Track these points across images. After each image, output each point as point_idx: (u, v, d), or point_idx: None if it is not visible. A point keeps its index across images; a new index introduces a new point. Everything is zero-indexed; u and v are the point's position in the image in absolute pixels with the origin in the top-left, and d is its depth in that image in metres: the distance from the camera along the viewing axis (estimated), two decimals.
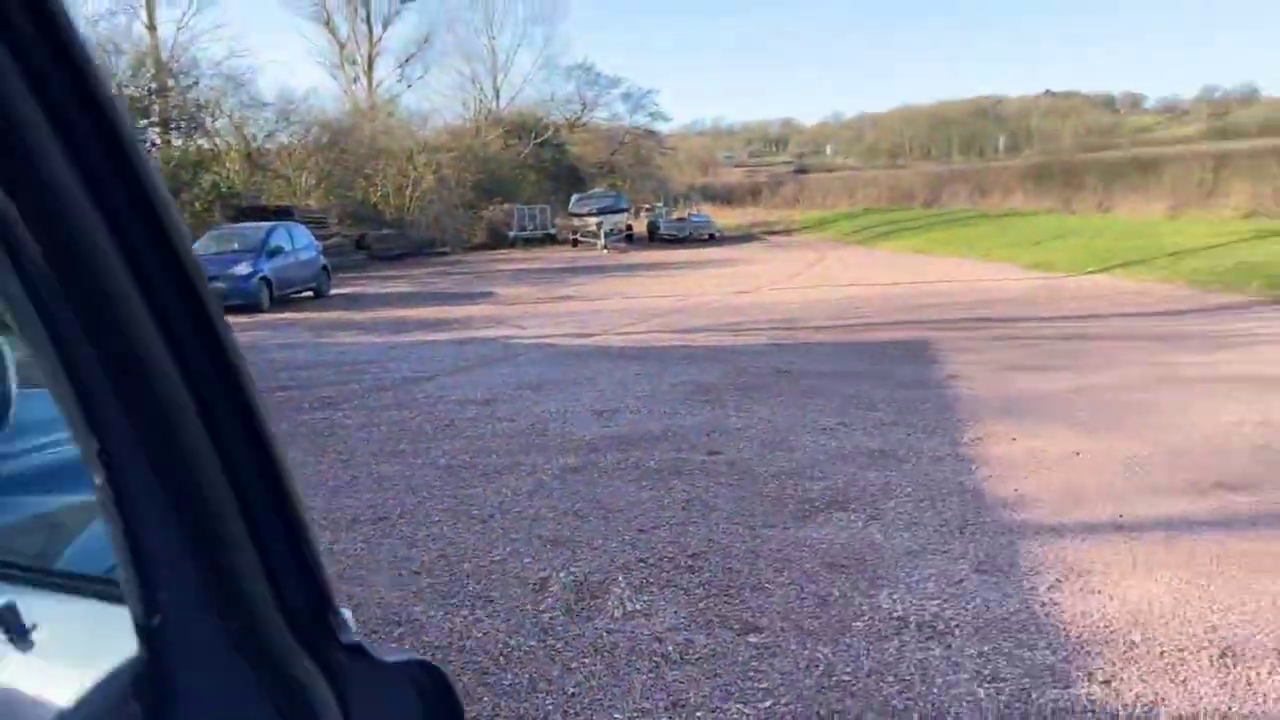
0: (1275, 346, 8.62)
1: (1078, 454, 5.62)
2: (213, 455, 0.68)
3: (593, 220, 32.28)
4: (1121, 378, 7.64)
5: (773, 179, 57.04)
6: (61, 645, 0.96)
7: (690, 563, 4.21)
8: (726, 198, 52.16)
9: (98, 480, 0.66)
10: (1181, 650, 3.27)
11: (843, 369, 8.64)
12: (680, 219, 35.80)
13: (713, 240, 33.44)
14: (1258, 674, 3.09)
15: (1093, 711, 2.93)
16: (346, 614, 0.77)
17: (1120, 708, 2.94)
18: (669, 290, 17.68)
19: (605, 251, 30.40)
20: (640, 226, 36.07)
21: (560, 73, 64.79)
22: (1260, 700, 2.94)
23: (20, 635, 0.95)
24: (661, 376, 8.63)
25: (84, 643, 0.88)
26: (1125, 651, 3.28)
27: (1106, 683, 3.09)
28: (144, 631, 0.69)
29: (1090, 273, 16.04)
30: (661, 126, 60.09)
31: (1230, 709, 2.90)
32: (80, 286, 0.62)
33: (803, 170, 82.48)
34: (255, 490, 0.71)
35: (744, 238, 34.77)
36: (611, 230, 32.25)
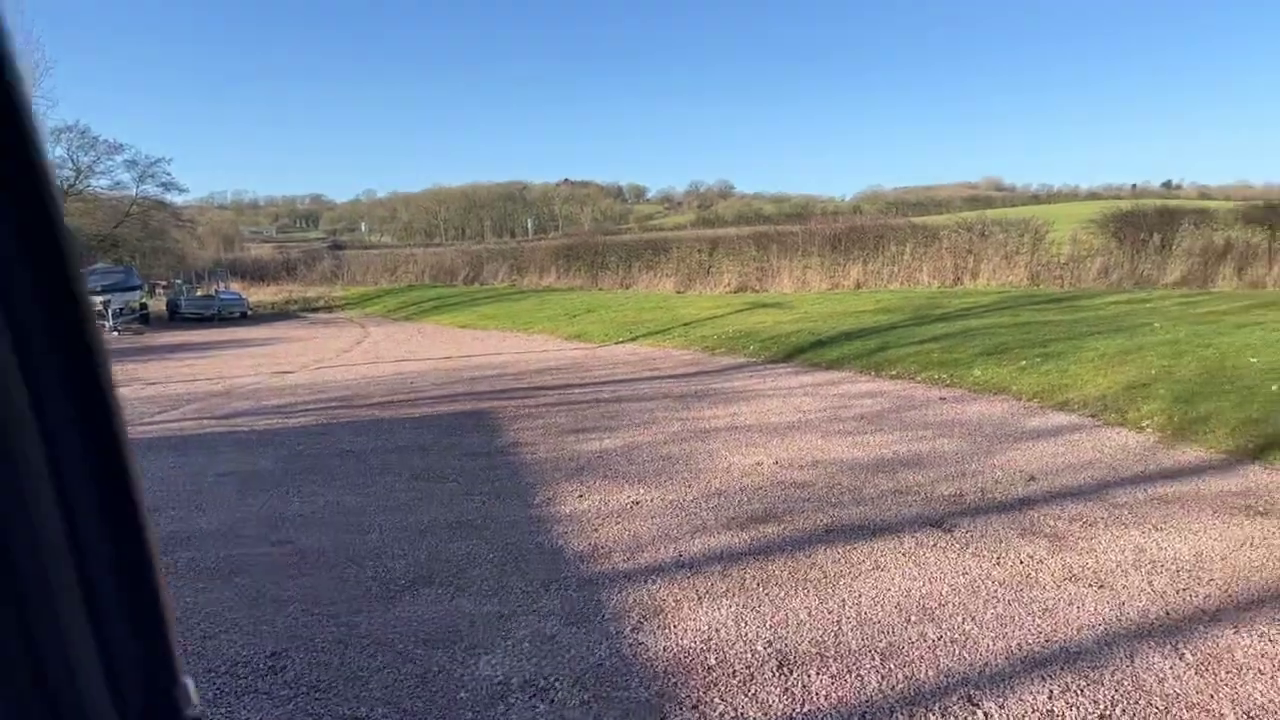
0: (773, 399, 10.18)
1: (637, 504, 6.10)
2: (46, 481, 0.59)
3: (98, 299, 28.50)
4: (662, 433, 8.48)
5: (308, 255, 54.97)
6: None
7: (271, 663, 3.81)
8: (258, 274, 49.22)
9: None
10: (749, 667, 3.66)
11: (408, 444, 8.51)
12: (206, 296, 33.02)
13: (245, 319, 31.26)
14: (809, 676, 3.56)
15: None
16: (189, 684, 0.68)
17: None
18: (199, 374, 16.13)
19: (116, 334, 26.97)
20: (158, 305, 32.61)
21: (46, 135, 56.65)
22: (815, 699, 3.39)
23: None
24: (207, 468, 7.80)
25: None
26: (705, 676, 3.59)
27: (695, 708, 3.35)
28: None
29: (621, 342, 17.68)
30: (175, 198, 55.16)
31: (794, 711, 3.30)
32: None
33: (338, 246, 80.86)
34: (94, 534, 0.62)
35: (281, 315, 32.99)
36: (122, 309, 28.75)
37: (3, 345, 0.57)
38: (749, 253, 26.75)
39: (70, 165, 46.27)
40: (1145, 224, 20.83)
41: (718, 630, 4.03)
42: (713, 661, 3.72)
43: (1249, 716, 3.13)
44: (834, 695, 3.40)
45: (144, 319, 29.98)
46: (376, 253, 54.95)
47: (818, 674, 3.57)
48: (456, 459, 7.75)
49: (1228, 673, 3.45)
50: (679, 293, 26.46)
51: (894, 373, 11.34)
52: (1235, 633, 3.78)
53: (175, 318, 31.41)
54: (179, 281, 36.95)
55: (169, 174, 60.97)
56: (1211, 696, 3.28)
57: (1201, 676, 3.43)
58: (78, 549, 0.62)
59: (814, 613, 4.18)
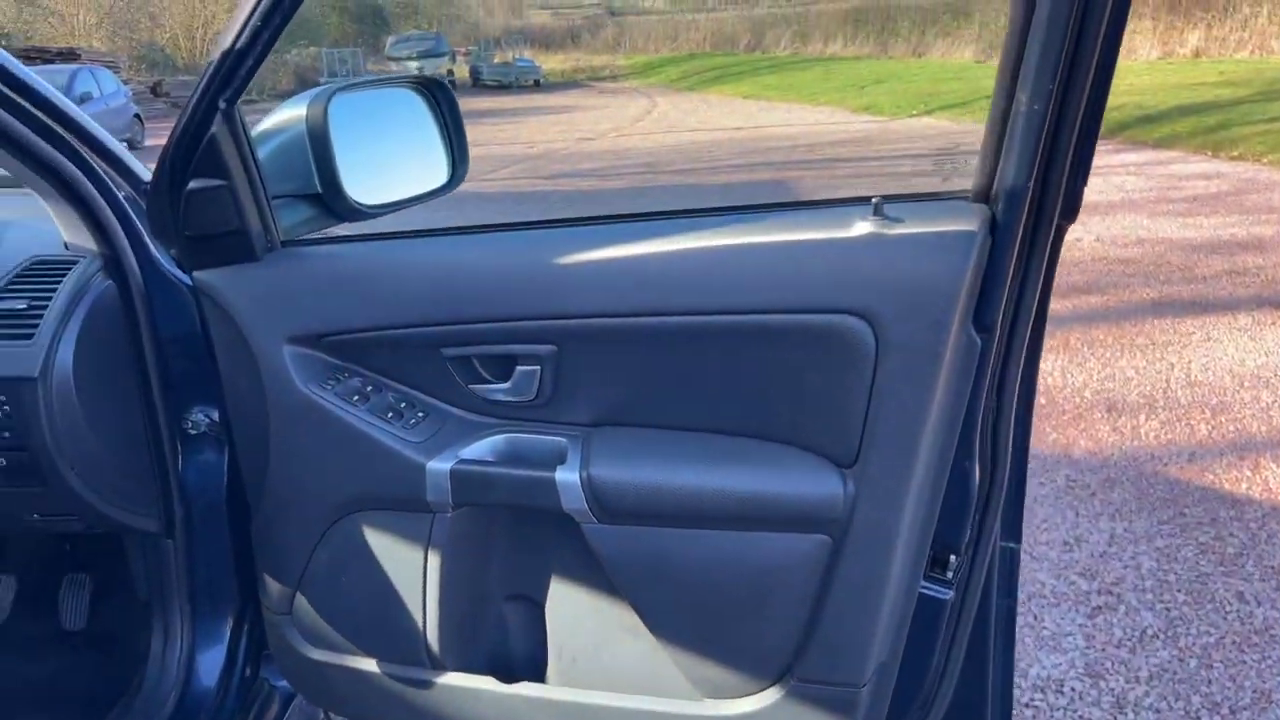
0: (1091, 176, 9.74)
1: None
2: None
3: (414, 65, 30.83)
4: None
5: (590, 22, 55.65)
6: None
7: None
8: (544, 41, 50.66)
9: None
10: (1077, 408, 4.05)
11: None
12: (504, 63, 34.70)
13: (538, 87, 32.72)
14: (1138, 420, 3.90)
15: None
16: None
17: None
18: (512, 137, 17.47)
19: None
20: (460, 72, 34.77)
21: None
22: (1144, 438, 3.75)
23: None
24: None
25: None
26: (1035, 411, 4.03)
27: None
28: None
29: (916, 115, 17.10)
30: None
31: (1124, 445, 3.69)
32: None
33: (614, 13, 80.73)
34: None
35: (570, 84, 34.19)
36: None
37: None
38: None
39: None
40: None
41: (1043, 378, 4.40)
42: (1041, 401, 4.13)
43: None
44: (1163, 438, 3.74)
45: (451, 84, 32.16)
46: (656, 19, 54.53)
47: (1146, 419, 3.90)
48: None
49: None
50: (979, 62, 24.66)
51: (1235, 153, 10.40)
52: None
53: (476, 84, 33.41)
54: (475, 49, 38.93)
55: None
56: None
57: None
58: None
59: (1142, 372, 4.44)
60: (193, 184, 1.23)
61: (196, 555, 1.49)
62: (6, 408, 1.35)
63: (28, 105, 1.26)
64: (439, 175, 1.56)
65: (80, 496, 1.40)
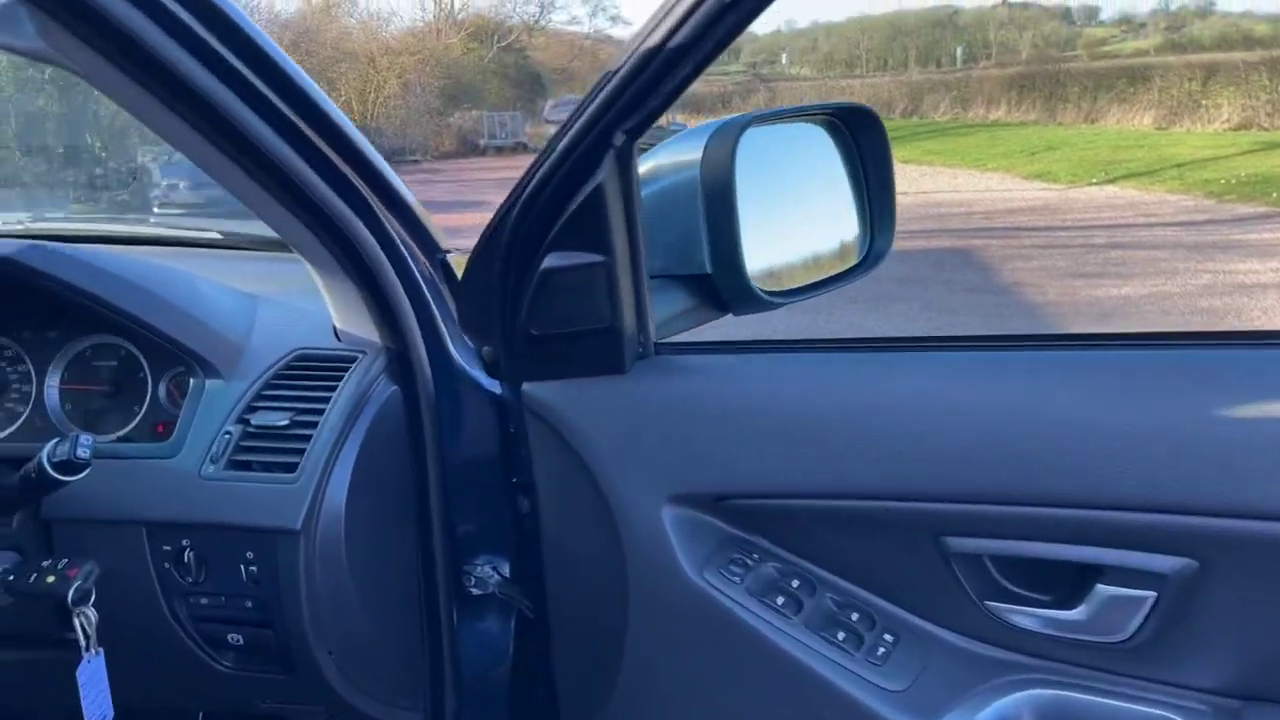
0: None
1: None
2: None
3: None
4: (1191, 285, 7.73)
5: (741, 87, 56.03)
6: None
7: None
8: (695, 106, 51.22)
9: None
10: None
11: (904, 275, 8.59)
12: (658, 128, 35.19)
13: None
14: None
15: None
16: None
17: None
18: None
19: None
20: None
21: None
22: None
23: None
24: None
25: None
26: None
27: None
28: None
29: (1096, 184, 16.10)
30: (620, 32, 58.81)
31: None
32: None
33: (762, 79, 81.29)
34: None
35: None
36: None
37: None
38: (1258, 81, 22.57)
39: (535, 1, 50.93)
40: None
41: None
42: None
43: None
44: None
45: None
46: (810, 84, 54.58)
47: None
48: (960, 294, 7.72)
49: None
50: (1160, 129, 23.25)
51: None
52: None
53: None
54: None
55: (616, 7, 64.92)
56: None
57: None
58: None
59: None
60: (550, 259, 0.87)
61: None
62: (253, 569, 0.98)
63: (322, 144, 0.90)
64: (850, 248, 1.14)
65: (333, 688, 1.03)
